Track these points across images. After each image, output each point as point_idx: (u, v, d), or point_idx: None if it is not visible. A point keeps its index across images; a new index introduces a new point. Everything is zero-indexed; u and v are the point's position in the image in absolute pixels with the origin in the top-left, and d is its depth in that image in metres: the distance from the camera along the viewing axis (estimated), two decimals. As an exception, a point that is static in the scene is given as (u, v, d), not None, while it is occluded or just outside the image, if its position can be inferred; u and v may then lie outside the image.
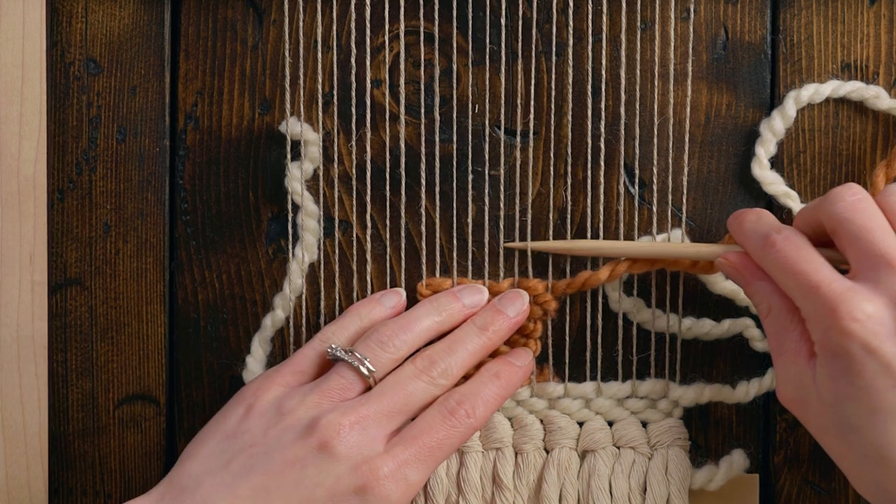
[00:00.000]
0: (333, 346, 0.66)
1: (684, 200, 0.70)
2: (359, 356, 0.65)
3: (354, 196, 0.70)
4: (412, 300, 0.70)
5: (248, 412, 0.64)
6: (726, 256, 0.66)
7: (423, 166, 0.70)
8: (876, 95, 0.69)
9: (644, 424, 0.71)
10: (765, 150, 0.69)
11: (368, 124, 0.70)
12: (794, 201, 0.70)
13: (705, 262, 0.68)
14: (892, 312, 0.59)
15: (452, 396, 0.66)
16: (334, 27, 0.70)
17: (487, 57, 0.70)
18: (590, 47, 0.69)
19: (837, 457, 0.62)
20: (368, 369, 0.65)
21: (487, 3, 0.69)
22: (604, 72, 0.69)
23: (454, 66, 0.70)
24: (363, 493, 0.62)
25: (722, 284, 0.70)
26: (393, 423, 0.64)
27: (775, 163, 0.70)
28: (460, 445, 0.67)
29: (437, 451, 0.64)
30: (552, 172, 0.70)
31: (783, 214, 0.70)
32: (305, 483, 0.62)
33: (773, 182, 0.70)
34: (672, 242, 0.70)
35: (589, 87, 0.70)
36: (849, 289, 0.60)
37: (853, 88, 0.69)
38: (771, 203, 0.70)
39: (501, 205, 0.70)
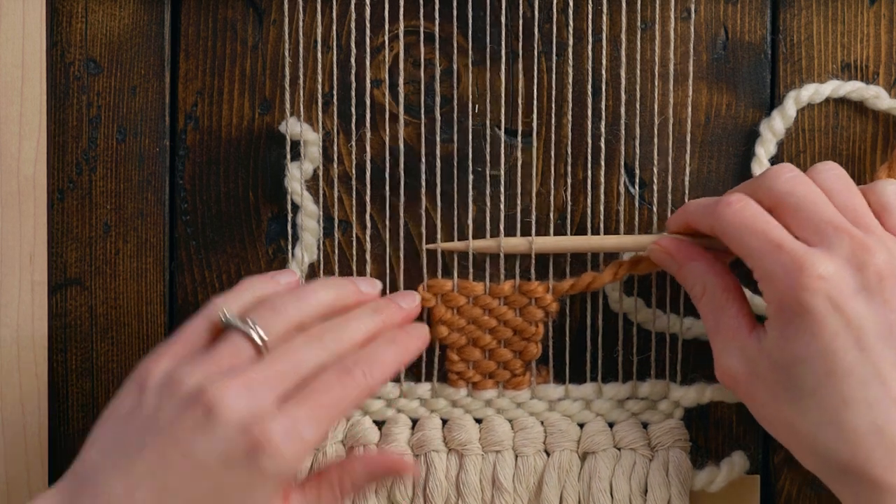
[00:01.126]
0: (226, 312, 0.64)
1: (685, 200, 0.70)
2: (250, 323, 0.63)
3: (354, 196, 0.70)
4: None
5: (141, 390, 0.62)
6: (658, 242, 0.67)
7: (423, 166, 0.70)
8: (876, 95, 0.69)
9: (645, 426, 0.71)
10: (765, 149, 0.69)
11: (368, 124, 0.70)
12: (793, 200, 0.70)
13: None
14: (850, 273, 0.60)
15: (349, 358, 0.64)
16: (334, 27, 0.70)
17: (488, 57, 0.70)
18: (590, 47, 0.69)
19: (786, 427, 0.62)
20: (260, 336, 0.63)
21: (487, 3, 0.69)
22: (604, 72, 0.69)
23: (454, 66, 0.70)
24: (256, 452, 0.59)
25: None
26: (283, 386, 0.61)
27: (775, 163, 0.70)
28: (354, 408, 0.65)
29: (331, 409, 0.62)
30: (552, 172, 0.70)
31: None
32: (197, 452, 0.59)
33: (772, 182, 0.70)
34: (610, 235, 0.69)
35: (589, 87, 0.70)
36: (810, 249, 0.61)
37: (853, 88, 0.70)
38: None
39: (501, 205, 0.70)
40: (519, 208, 0.70)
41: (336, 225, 0.70)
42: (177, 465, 0.59)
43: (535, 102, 0.70)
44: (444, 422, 0.71)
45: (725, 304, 0.64)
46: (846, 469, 0.60)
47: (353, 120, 0.70)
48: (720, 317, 0.64)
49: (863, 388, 0.59)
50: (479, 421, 0.71)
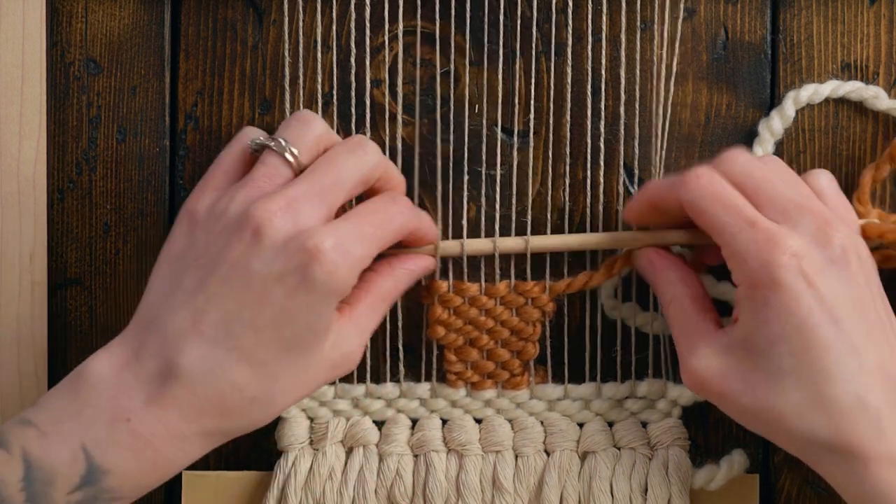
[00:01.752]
0: (255, 137, 0.65)
1: (684, 200, 0.70)
2: (282, 140, 0.63)
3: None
4: (413, 301, 0.70)
5: (190, 228, 0.63)
6: (646, 253, 0.67)
7: (422, 166, 0.70)
8: (875, 95, 0.69)
9: (644, 425, 0.71)
10: (763, 149, 0.69)
11: (368, 124, 0.70)
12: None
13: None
14: (818, 249, 0.61)
15: (391, 189, 0.66)
16: (334, 27, 0.70)
17: (487, 57, 0.70)
18: (590, 47, 0.69)
19: (766, 414, 0.61)
20: (292, 153, 0.63)
21: (487, 2, 0.69)
22: (604, 72, 0.69)
23: (454, 66, 0.70)
24: (308, 265, 0.60)
25: (716, 288, 0.70)
26: (326, 202, 0.62)
27: (775, 163, 0.70)
28: (400, 234, 0.65)
29: (378, 229, 0.63)
30: (552, 172, 0.70)
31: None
32: (254, 277, 0.60)
33: (770, 180, 0.70)
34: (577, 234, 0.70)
35: (589, 87, 0.70)
36: (780, 227, 0.61)
37: (852, 88, 0.70)
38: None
39: (501, 205, 0.70)
40: (518, 208, 0.70)
41: (336, 225, 0.70)
42: (236, 290, 0.60)
43: (534, 102, 0.70)
44: (444, 422, 0.71)
45: (691, 309, 0.65)
46: (832, 446, 0.60)
47: (353, 120, 0.70)
48: (686, 321, 0.65)
49: (841, 361, 0.60)
50: (478, 421, 0.71)
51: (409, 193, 0.70)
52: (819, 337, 0.60)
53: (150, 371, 0.60)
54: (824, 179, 0.66)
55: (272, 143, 0.63)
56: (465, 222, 0.70)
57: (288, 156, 0.63)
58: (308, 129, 0.64)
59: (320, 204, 0.62)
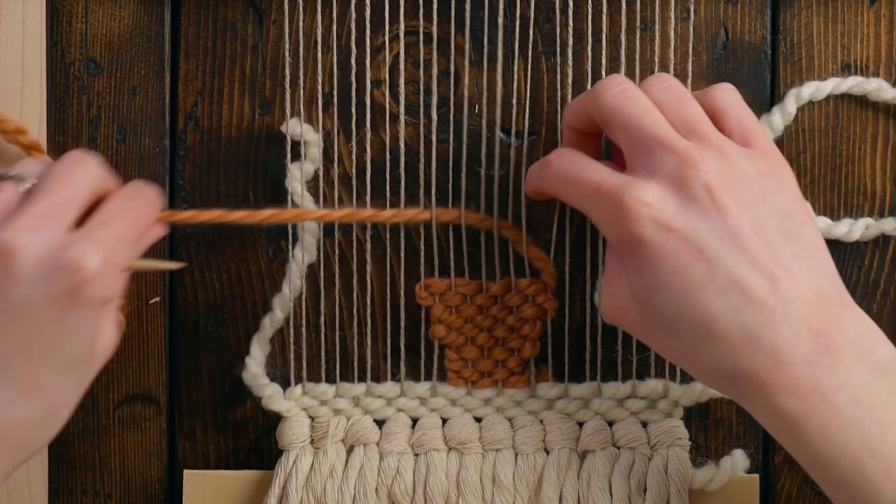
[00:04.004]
0: None
1: (684, 200, 0.70)
2: (12, 171, 0.62)
3: (354, 196, 0.70)
4: (412, 300, 0.70)
5: None
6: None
7: (422, 166, 0.70)
8: (878, 88, 0.69)
9: (644, 424, 0.71)
10: (763, 147, 0.69)
11: (368, 124, 0.70)
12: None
13: None
14: (673, 192, 0.60)
15: (128, 186, 0.64)
16: (334, 27, 0.70)
17: (487, 57, 0.70)
18: (590, 47, 0.69)
19: (674, 354, 0.62)
20: (21, 176, 0.61)
21: (487, 2, 0.69)
22: (604, 72, 0.69)
23: (454, 66, 0.70)
24: (79, 286, 0.58)
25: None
26: (70, 214, 0.60)
27: (775, 162, 0.70)
28: (149, 227, 0.64)
29: (134, 230, 0.62)
30: (552, 172, 0.70)
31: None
32: (19, 305, 0.58)
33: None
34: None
35: (589, 87, 0.70)
36: (628, 181, 0.60)
37: (854, 83, 0.69)
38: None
39: (501, 205, 0.70)
40: (518, 208, 0.70)
41: (336, 225, 0.70)
42: (3, 322, 0.58)
43: (534, 102, 0.70)
44: (444, 420, 0.71)
45: (609, 250, 0.64)
46: (734, 377, 0.59)
47: (354, 120, 0.70)
48: (607, 257, 0.64)
49: (723, 297, 0.59)
50: (478, 420, 0.71)
51: (410, 193, 0.70)
52: (693, 277, 0.59)
53: None
54: (724, 96, 0.64)
55: (5, 173, 0.62)
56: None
57: (26, 181, 0.62)
58: (36, 161, 0.64)
59: (66, 216, 0.60)
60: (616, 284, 0.62)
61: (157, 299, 0.71)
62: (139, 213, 0.63)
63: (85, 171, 0.62)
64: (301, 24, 0.69)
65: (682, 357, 0.61)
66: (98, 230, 0.60)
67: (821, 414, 0.58)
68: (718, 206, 0.59)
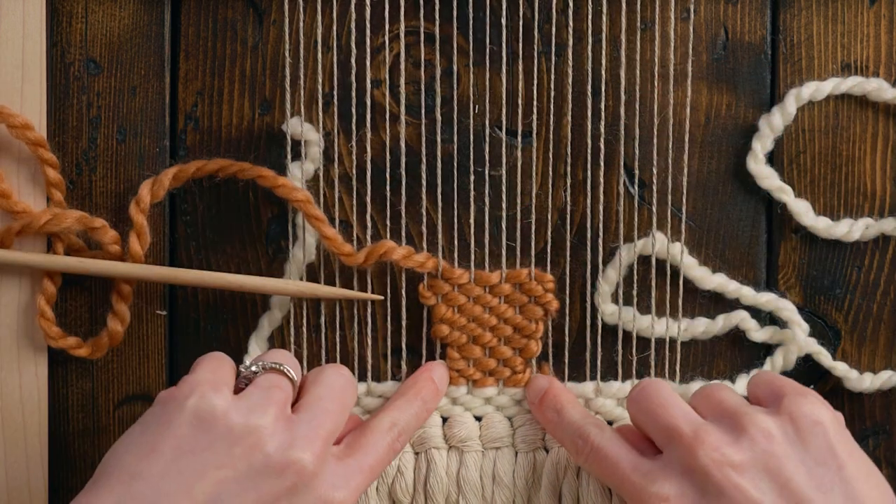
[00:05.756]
0: (247, 363, 0.64)
1: (684, 200, 0.70)
2: (274, 364, 0.63)
3: (354, 196, 0.70)
4: (414, 300, 0.70)
5: (204, 425, 0.60)
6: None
7: (423, 166, 0.70)
8: (878, 87, 0.69)
9: (644, 424, 0.71)
10: (761, 145, 0.69)
11: (368, 124, 0.70)
12: (788, 195, 0.70)
13: None
14: (688, 482, 0.61)
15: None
16: (334, 27, 0.69)
17: (487, 57, 0.69)
18: (590, 47, 0.69)
19: None
20: (290, 373, 0.63)
21: (487, 3, 0.69)
22: (604, 72, 0.69)
23: (454, 67, 0.70)
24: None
25: (710, 279, 0.70)
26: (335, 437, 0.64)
27: (775, 163, 0.70)
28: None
29: (376, 468, 0.65)
30: (552, 173, 0.70)
31: (778, 209, 0.70)
32: None
33: (767, 177, 0.70)
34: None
35: (589, 87, 0.70)
36: (644, 475, 0.62)
37: (854, 83, 0.69)
38: (769, 199, 0.70)
39: (502, 205, 0.70)
40: (519, 209, 0.70)
41: (336, 225, 0.70)
42: None
43: (534, 103, 0.70)
44: (444, 419, 0.71)
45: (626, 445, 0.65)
46: None
47: (354, 120, 0.70)
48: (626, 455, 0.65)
49: None
50: (478, 418, 0.71)
51: (410, 193, 0.70)
52: None
53: None
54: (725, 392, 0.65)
55: (273, 365, 0.63)
56: (466, 223, 0.70)
57: (291, 375, 0.63)
58: (289, 359, 0.65)
59: (332, 440, 0.63)
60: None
61: (164, 313, 0.71)
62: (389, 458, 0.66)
63: (353, 394, 0.65)
64: (301, 24, 0.69)
65: None
66: (354, 473, 0.63)
67: None
68: (733, 485, 0.60)
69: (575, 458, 0.66)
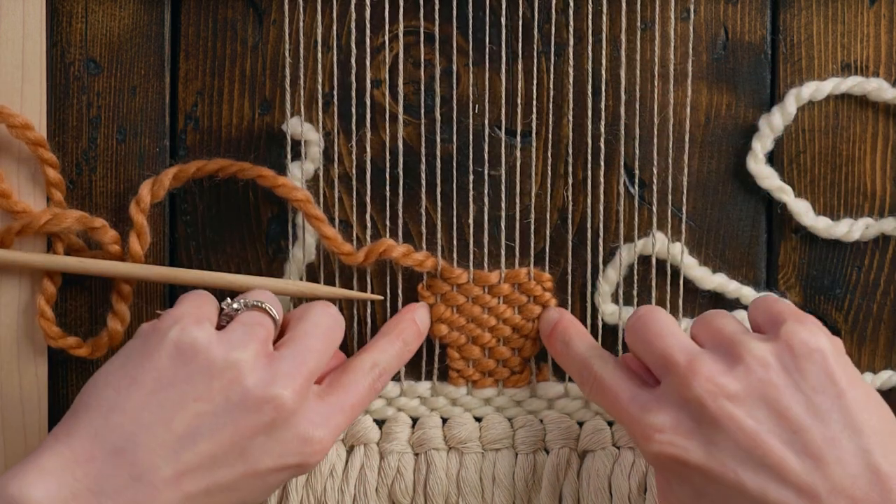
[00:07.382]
0: (229, 301, 0.64)
1: (684, 200, 0.70)
2: (257, 302, 0.64)
3: (354, 196, 0.70)
4: (413, 300, 0.70)
5: (184, 358, 0.60)
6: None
7: (423, 166, 0.70)
8: (878, 87, 0.69)
9: (644, 424, 0.71)
10: (761, 144, 0.69)
11: (368, 124, 0.70)
12: (788, 195, 0.70)
13: None
14: (684, 413, 0.60)
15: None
16: (334, 27, 0.70)
17: (487, 57, 0.70)
18: (590, 47, 0.69)
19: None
20: (272, 312, 0.64)
21: (487, 3, 0.69)
22: (604, 72, 0.69)
23: (454, 66, 0.70)
24: (307, 458, 0.61)
25: (710, 279, 0.70)
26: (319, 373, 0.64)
27: (776, 163, 0.70)
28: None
29: (358, 406, 0.65)
30: (552, 173, 0.70)
31: (778, 209, 0.70)
32: (254, 454, 0.60)
33: (767, 176, 0.70)
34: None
35: (589, 87, 0.70)
36: (641, 406, 0.61)
37: (854, 83, 0.69)
38: (769, 199, 0.70)
39: (502, 205, 0.70)
40: (519, 209, 0.70)
41: (336, 225, 0.70)
42: (230, 463, 0.60)
43: (534, 102, 0.70)
44: (444, 420, 0.71)
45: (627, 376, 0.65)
46: None
47: (354, 120, 0.70)
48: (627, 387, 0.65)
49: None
50: (478, 419, 0.71)
51: (412, 194, 0.70)
52: (719, 500, 0.59)
53: None
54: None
55: (255, 302, 0.64)
56: (465, 222, 0.70)
57: (272, 313, 0.64)
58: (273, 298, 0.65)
59: (314, 376, 0.63)
60: (662, 490, 0.63)
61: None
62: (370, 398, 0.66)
63: (339, 333, 0.65)
64: (301, 24, 0.69)
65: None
66: (333, 411, 0.63)
67: None
68: (728, 415, 0.59)
69: (581, 389, 0.66)
